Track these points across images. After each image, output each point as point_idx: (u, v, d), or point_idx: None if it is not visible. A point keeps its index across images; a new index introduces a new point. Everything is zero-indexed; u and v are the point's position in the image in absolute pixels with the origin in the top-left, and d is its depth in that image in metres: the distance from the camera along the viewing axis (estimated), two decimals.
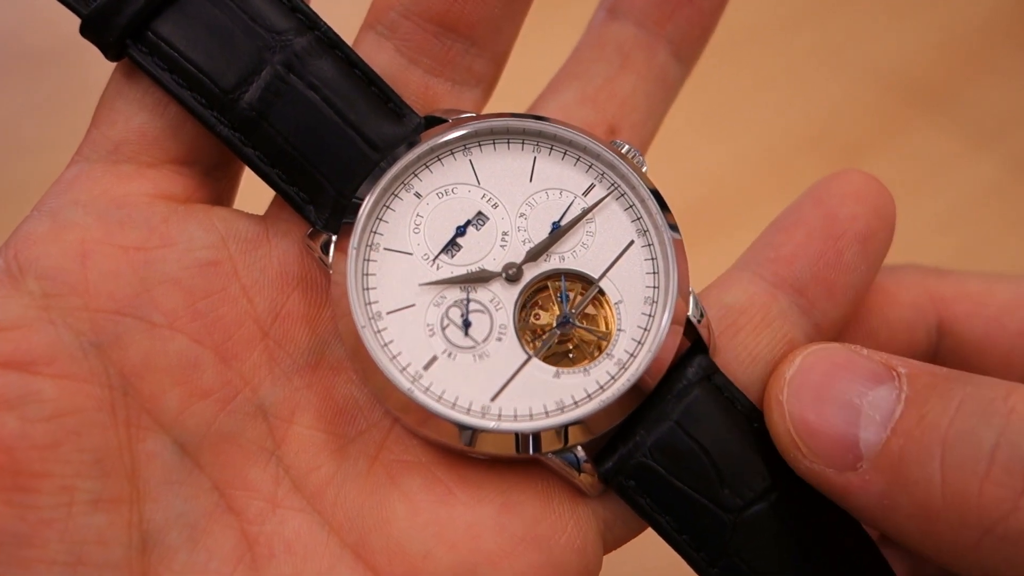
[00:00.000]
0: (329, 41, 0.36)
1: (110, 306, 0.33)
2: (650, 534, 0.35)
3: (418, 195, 0.36)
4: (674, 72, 0.41)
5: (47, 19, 0.72)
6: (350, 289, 0.34)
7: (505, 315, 0.35)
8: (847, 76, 0.77)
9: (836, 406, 0.33)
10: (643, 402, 0.34)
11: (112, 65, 0.36)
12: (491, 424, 0.33)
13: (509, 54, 0.40)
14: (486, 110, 0.39)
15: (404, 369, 0.34)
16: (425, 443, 0.35)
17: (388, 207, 0.36)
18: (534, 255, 0.36)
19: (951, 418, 0.31)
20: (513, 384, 0.34)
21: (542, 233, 0.36)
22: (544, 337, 0.35)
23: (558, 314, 0.35)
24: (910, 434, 0.31)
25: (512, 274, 0.35)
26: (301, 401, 0.35)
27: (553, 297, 0.36)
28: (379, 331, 0.34)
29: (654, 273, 0.36)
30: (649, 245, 0.36)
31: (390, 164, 0.36)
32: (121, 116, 0.36)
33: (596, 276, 0.36)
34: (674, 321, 0.34)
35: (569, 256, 0.36)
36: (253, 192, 0.39)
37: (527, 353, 0.35)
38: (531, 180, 0.37)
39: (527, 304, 0.36)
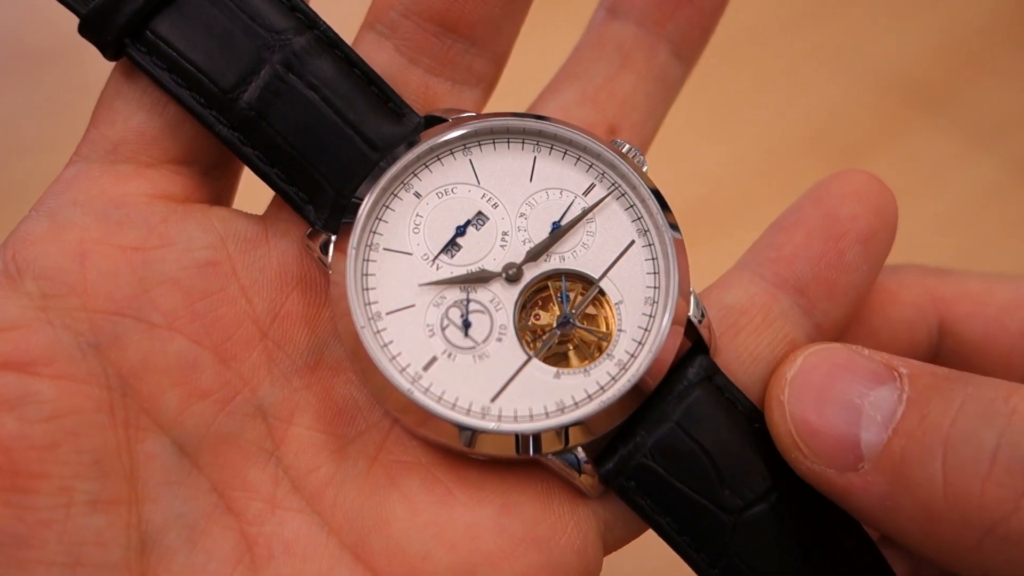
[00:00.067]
0: (328, 40, 0.36)
1: (109, 306, 0.33)
2: (650, 534, 0.35)
3: (418, 195, 0.36)
4: (674, 72, 0.41)
5: (47, 19, 0.72)
6: (349, 289, 0.34)
7: (505, 315, 0.35)
8: (847, 77, 0.77)
9: (837, 406, 0.33)
10: (644, 403, 0.34)
11: (111, 65, 0.36)
12: (491, 425, 0.33)
13: (509, 54, 0.40)
14: (486, 110, 0.39)
15: (404, 370, 0.34)
16: (425, 444, 0.34)
17: (387, 207, 0.36)
18: (534, 255, 0.36)
19: (953, 419, 0.31)
20: (513, 385, 0.34)
21: (542, 233, 0.36)
22: (544, 337, 0.35)
23: (558, 314, 0.35)
24: (912, 435, 0.31)
25: (512, 274, 0.35)
26: (300, 402, 0.35)
27: (553, 297, 0.36)
28: (378, 331, 0.34)
29: (655, 273, 0.36)
30: (650, 245, 0.36)
31: (390, 164, 0.35)
32: (120, 116, 0.36)
33: (596, 276, 0.36)
34: (675, 321, 0.34)
35: (569, 256, 0.36)
36: (252, 192, 0.39)
37: (527, 354, 0.34)
38: (531, 180, 0.37)
39: (527, 304, 0.36)
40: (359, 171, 0.35)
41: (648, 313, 0.35)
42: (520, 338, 0.35)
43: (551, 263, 0.36)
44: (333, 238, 0.35)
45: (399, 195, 0.36)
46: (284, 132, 0.35)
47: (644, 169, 0.37)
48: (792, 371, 0.34)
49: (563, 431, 0.33)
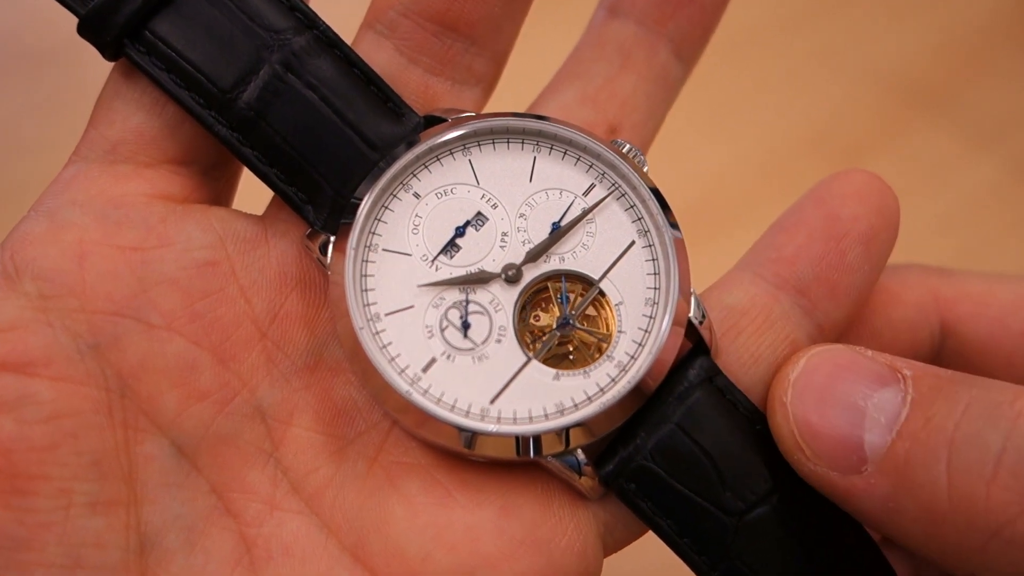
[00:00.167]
0: (328, 40, 0.36)
1: (107, 307, 0.33)
2: (651, 535, 0.35)
3: (417, 195, 0.36)
4: (675, 72, 0.41)
5: (46, 19, 0.72)
6: (348, 290, 0.34)
7: (504, 317, 0.35)
8: (847, 77, 0.77)
9: (840, 408, 0.33)
10: (644, 404, 0.34)
11: (110, 65, 0.36)
12: (491, 427, 0.33)
13: (509, 53, 0.40)
14: (486, 110, 0.39)
15: (403, 371, 0.34)
16: (424, 445, 0.34)
17: (387, 207, 0.36)
18: (534, 256, 0.35)
19: (957, 421, 0.31)
20: (513, 386, 0.34)
21: (542, 234, 0.36)
22: (544, 339, 0.35)
23: (558, 315, 0.35)
24: (916, 437, 0.31)
25: (511, 275, 0.35)
26: (299, 403, 0.35)
27: (553, 298, 0.36)
28: (377, 332, 0.34)
29: (655, 274, 0.35)
30: (650, 246, 0.36)
31: (389, 164, 0.35)
32: (119, 116, 0.35)
33: (596, 277, 0.35)
34: (675, 322, 0.34)
35: (569, 257, 0.36)
36: (252, 192, 0.39)
37: (527, 355, 0.34)
38: (531, 180, 0.36)
39: (527, 305, 0.35)
40: (358, 171, 0.35)
41: (648, 314, 0.35)
42: (520, 339, 0.35)
43: (551, 264, 0.36)
44: (332, 238, 0.35)
45: (398, 195, 0.36)
46: (283, 132, 0.35)
47: (644, 169, 0.37)
48: (795, 372, 0.34)
49: (563, 433, 0.33)
